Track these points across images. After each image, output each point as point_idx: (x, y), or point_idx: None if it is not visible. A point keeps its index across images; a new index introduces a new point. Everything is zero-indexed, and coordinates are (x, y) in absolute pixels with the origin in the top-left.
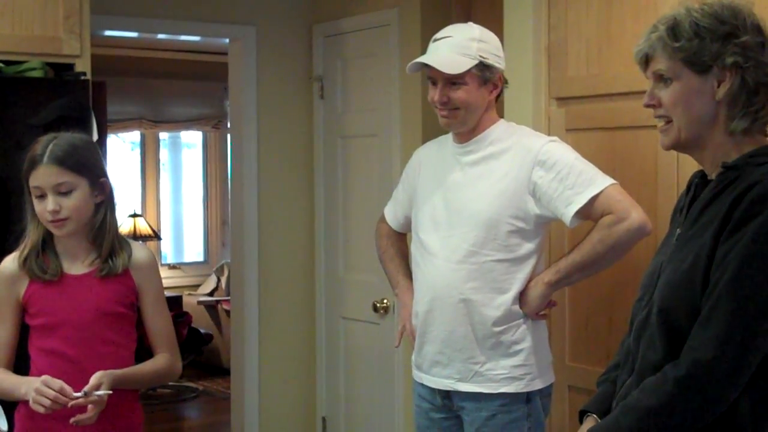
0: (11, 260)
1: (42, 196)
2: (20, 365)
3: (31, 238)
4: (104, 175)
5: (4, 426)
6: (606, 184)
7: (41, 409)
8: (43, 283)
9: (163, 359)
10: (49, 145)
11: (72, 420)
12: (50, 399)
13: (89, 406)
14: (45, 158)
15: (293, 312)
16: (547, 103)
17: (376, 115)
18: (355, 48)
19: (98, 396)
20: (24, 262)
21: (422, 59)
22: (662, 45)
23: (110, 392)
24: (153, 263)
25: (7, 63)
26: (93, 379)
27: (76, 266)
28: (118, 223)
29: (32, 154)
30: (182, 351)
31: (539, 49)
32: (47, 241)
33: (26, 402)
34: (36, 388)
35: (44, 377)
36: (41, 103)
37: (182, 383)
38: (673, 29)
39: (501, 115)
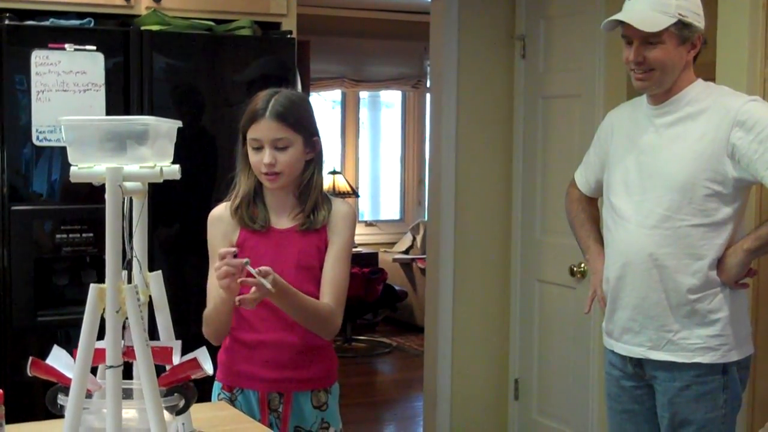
0: (223, 208)
1: (259, 149)
2: None
3: (242, 188)
4: (317, 133)
5: (210, 370)
6: None
7: (224, 284)
8: (252, 232)
9: (325, 305)
10: (270, 99)
11: (237, 299)
12: (222, 268)
13: (252, 288)
14: (267, 112)
15: (488, 272)
16: (764, 64)
17: (579, 75)
18: (559, 6)
19: (262, 280)
20: (235, 211)
21: (618, 16)
22: None
23: (270, 287)
24: (348, 216)
25: (218, 22)
26: (263, 268)
27: (282, 220)
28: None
29: (253, 107)
30: (377, 307)
31: (757, 7)
32: (257, 193)
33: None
34: (215, 268)
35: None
36: (249, 61)
37: (376, 338)
38: None
39: (712, 77)
